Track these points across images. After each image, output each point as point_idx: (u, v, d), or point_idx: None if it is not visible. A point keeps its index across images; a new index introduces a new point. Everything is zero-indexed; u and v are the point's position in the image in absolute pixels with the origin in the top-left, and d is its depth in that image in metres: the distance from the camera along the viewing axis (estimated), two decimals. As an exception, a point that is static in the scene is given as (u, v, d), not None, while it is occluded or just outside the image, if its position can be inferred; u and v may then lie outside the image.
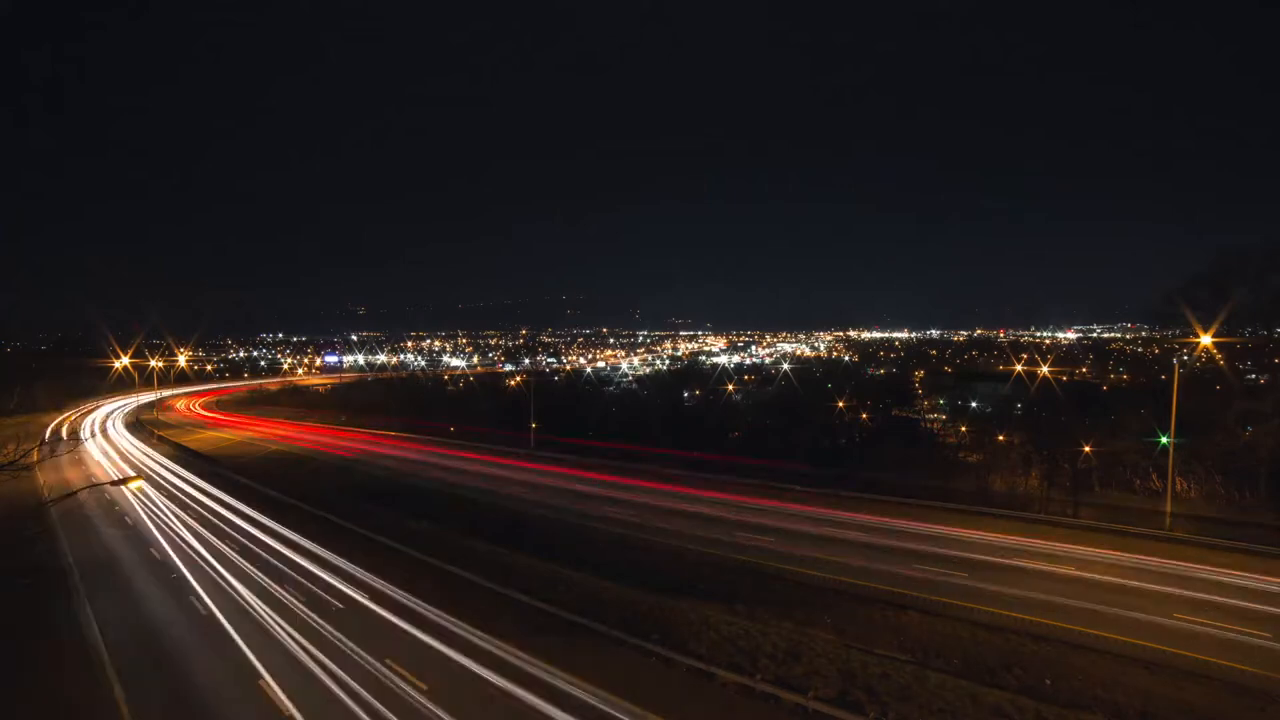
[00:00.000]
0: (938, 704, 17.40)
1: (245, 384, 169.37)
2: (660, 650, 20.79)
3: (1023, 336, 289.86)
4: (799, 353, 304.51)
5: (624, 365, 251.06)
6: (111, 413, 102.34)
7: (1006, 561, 29.52)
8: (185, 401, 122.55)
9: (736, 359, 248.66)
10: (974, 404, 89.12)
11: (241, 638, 22.75)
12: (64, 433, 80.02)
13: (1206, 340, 41.21)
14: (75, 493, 43.82)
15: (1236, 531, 32.00)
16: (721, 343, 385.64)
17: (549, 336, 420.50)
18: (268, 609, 25.11)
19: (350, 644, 21.87)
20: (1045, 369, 67.65)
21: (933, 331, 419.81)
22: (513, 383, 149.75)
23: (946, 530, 34.39)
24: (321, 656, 21.08)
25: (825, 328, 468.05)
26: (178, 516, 39.61)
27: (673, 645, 21.03)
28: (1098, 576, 27.38)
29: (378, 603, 25.52)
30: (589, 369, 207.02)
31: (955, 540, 32.72)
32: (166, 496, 45.12)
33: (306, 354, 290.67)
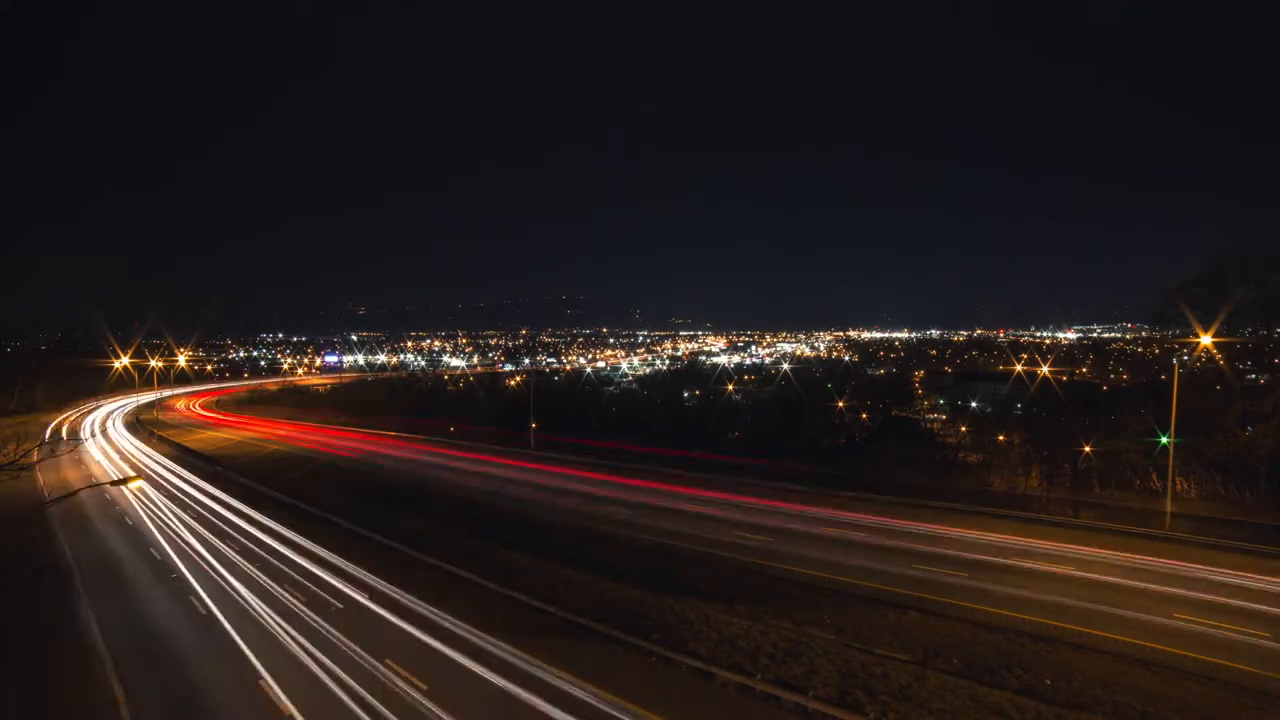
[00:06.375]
0: (937, 704, 17.40)
1: (245, 384, 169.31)
2: (661, 650, 20.79)
3: (1023, 336, 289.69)
4: (799, 353, 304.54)
5: (624, 365, 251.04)
6: (111, 412, 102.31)
7: (1006, 561, 29.52)
8: (185, 401, 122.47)
9: (736, 359, 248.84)
10: (974, 404, 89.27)
11: (241, 638, 22.76)
12: (64, 432, 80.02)
13: (1206, 340, 41.19)
14: (75, 493, 43.85)
15: (1237, 531, 32.00)
16: (721, 343, 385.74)
17: (549, 336, 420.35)
18: (267, 609, 25.11)
19: (350, 644, 21.88)
20: (1045, 369, 67.56)
21: (933, 331, 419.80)
22: (513, 382, 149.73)
23: (946, 530, 34.39)
24: (321, 656, 21.09)
25: (825, 328, 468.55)
26: (178, 516, 39.61)
27: (673, 645, 21.03)
28: (1098, 576, 27.39)
29: (377, 602, 25.52)
30: (589, 369, 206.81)
31: (955, 540, 32.73)
32: (166, 496, 45.11)
33: (306, 354, 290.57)
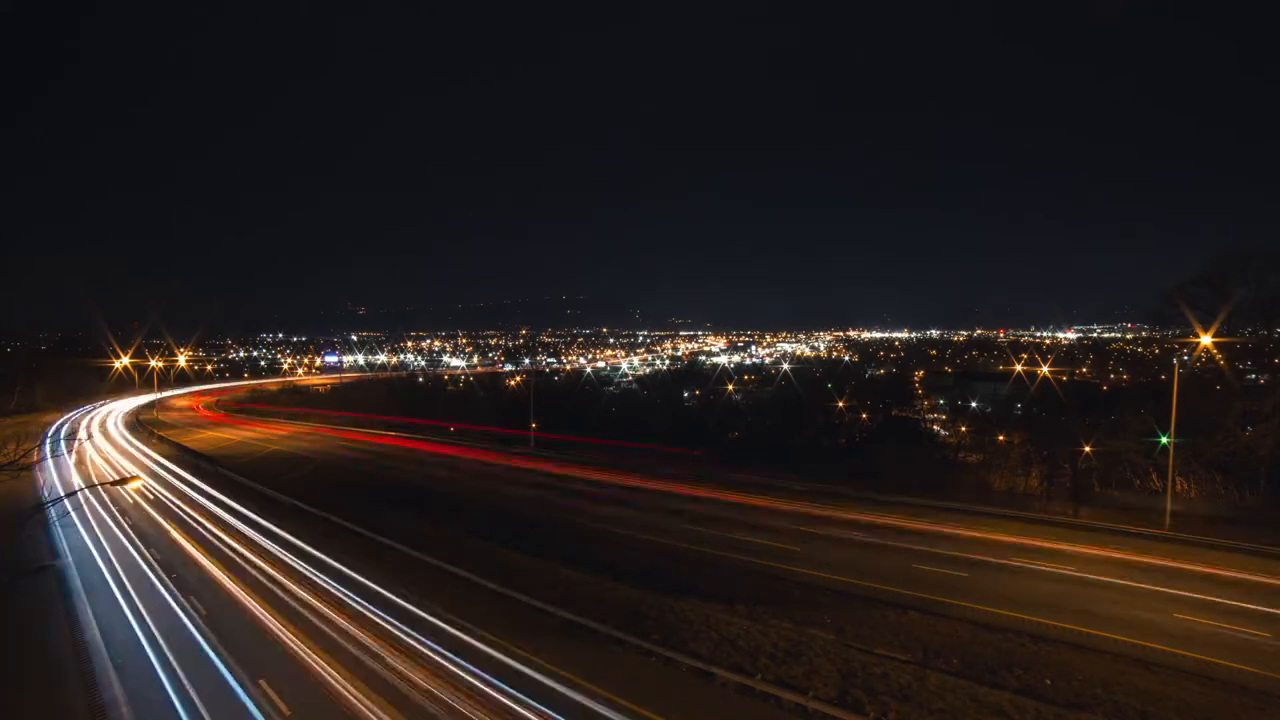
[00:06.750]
0: (937, 704, 17.40)
1: (245, 384, 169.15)
2: (661, 650, 20.79)
3: (1023, 336, 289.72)
4: (799, 353, 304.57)
5: (624, 365, 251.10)
6: (111, 412, 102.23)
7: (1006, 561, 29.53)
8: (185, 401, 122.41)
9: (736, 359, 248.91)
10: (974, 404, 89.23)
11: (241, 637, 22.76)
12: (64, 432, 79.96)
13: (1206, 340, 41.21)
14: (75, 492, 43.82)
15: (1237, 531, 32.02)
16: (721, 343, 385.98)
17: (549, 336, 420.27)
18: (267, 608, 25.12)
19: (350, 643, 21.88)
20: (1045, 369, 67.50)
21: (933, 331, 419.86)
22: (513, 382, 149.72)
23: (946, 530, 34.40)
24: (321, 656, 21.09)
25: (825, 328, 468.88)
26: (178, 516, 39.60)
27: (673, 645, 21.04)
28: (1098, 576, 27.40)
29: (376, 602, 25.53)
30: (589, 369, 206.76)
31: (955, 540, 32.73)
32: (167, 496, 45.10)
33: (306, 354, 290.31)
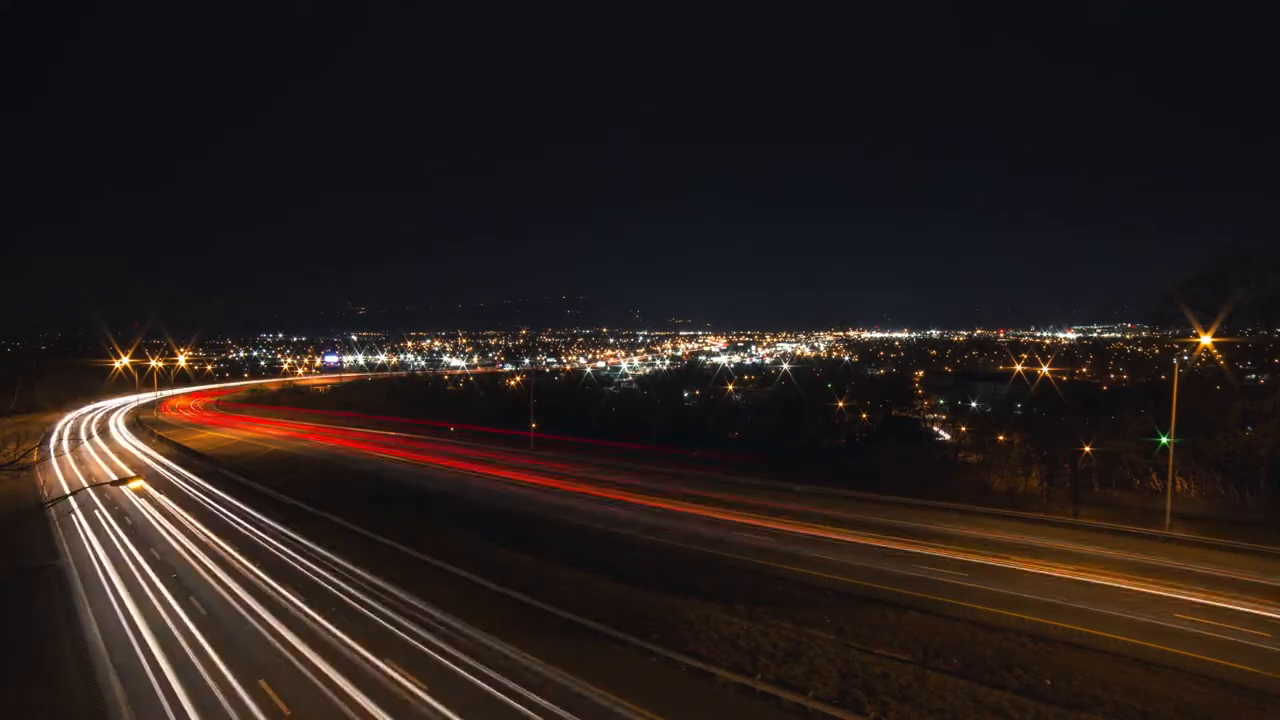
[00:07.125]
0: (937, 704, 17.39)
1: (245, 384, 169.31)
2: (660, 650, 20.77)
3: (1023, 336, 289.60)
4: (799, 353, 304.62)
5: (624, 365, 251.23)
6: (111, 412, 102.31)
7: (1006, 561, 29.51)
8: (185, 401, 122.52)
9: (736, 359, 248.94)
10: (974, 404, 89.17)
11: (241, 638, 22.76)
12: (64, 432, 79.99)
13: (1206, 340, 41.18)
14: (75, 493, 43.83)
15: (1236, 531, 32.01)
16: (721, 343, 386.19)
17: (549, 336, 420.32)
18: (267, 609, 25.11)
19: (350, 643, 21.87)
20: (1045, 369, 67.38)
21: (933, 331, 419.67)
22: (513, 382, 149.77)
23: (946, 530, 34.38)
24: (321, 656, 21.08)
25: (825, 328, 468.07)
26: (178, 516, 39.60)
27: (673, 645, 21.02)
28: (1097, 576, 27.38)
29: (377, 602, 25.52)
30: (589, 369, 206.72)
31: (955, 540, 32.71)
32: (167, 496, 45.10)
33: (306, 354, 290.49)
